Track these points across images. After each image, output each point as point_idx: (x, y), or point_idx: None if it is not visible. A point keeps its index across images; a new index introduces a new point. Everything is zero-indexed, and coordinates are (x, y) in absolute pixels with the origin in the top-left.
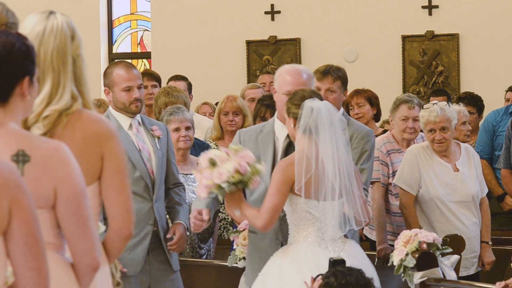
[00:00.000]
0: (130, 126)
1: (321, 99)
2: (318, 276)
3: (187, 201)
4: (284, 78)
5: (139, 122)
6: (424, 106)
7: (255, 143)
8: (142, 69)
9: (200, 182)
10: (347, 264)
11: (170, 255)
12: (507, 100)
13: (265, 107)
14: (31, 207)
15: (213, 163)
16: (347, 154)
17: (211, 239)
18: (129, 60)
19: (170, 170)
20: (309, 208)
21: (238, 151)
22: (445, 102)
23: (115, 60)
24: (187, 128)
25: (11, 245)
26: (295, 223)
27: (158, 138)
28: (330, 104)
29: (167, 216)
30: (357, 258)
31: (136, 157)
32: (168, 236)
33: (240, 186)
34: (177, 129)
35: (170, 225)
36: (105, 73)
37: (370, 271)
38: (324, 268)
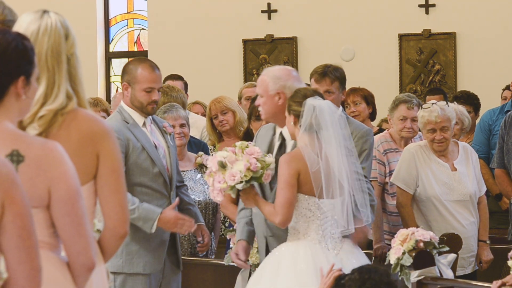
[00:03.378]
0: (144, 124)
1: (323, 98)
2: (336, 267)
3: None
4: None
5: (151, 120)
6: (423, 106)
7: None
8: None
9: (213, 186)
10: (346, 262)
11: (179, 255)
12: (504, 98)
13: None
14: (24, 200)
15: (223, 166)
16: (349, 153)
17: (212, 233)
18: (126, 59)
19: (177, 168)
20: (310, 206)
21: (244, 149)
22: (444, 102)
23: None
24: (182, 125)
25: (3, 238)
26: (295, 220)
27: (170, 134)
28: (332, 103)
29: None
30: (356, 257)
31: (154, 153)
32: (199, 239)
33: (252, 182)
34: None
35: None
36: (126, 68)
37: None
38: (321, 266)
